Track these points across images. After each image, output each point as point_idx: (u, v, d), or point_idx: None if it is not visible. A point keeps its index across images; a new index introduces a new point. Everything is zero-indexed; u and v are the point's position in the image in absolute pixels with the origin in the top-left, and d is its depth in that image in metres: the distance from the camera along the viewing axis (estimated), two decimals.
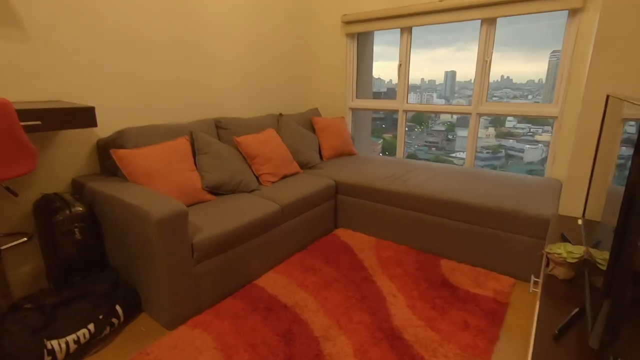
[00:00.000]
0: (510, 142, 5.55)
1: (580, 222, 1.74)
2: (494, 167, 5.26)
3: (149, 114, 2.33)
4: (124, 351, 1.53)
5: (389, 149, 4.76)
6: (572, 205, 1.84)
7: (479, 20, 2.77)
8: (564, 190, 1.86)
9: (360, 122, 4.04)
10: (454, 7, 2.75)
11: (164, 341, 1.55)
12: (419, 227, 2.36)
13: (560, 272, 1.30)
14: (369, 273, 2.10)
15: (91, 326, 1.51)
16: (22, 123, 1.41)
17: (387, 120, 5.09)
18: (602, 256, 1.14)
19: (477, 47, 2.85)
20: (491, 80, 2.88)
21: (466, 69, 3.03)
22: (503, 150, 5.58)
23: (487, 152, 5.58)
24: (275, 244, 2.16)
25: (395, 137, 3.55)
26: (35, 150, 1.45)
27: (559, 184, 2.42)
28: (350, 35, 3.52)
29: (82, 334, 1.48)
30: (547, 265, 1.34)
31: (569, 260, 1.25)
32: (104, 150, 2.02)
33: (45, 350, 1.37)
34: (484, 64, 2.84)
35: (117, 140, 1.96)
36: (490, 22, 2.74)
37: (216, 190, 2.19)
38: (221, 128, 2.55)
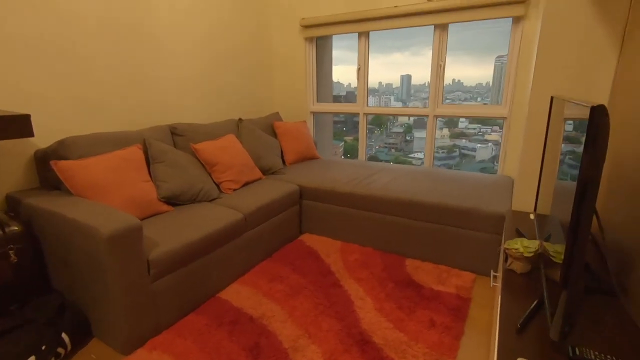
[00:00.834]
0: (463, 142, 5.86)
1: (532, 216, 1.84)
2: (450, 166, 5.52)
3: (94, 120, 2.14)
4: None
5: (351, 151, 4.82)
6: (524, 201, 1.95)
7: (432, 26, 2.88)
8: (516, 187, 1.97)
9: (321, 125, 4.04)
10: (409, 12, 2.84)
11: None
12: (383, 228, 2.39)
13: (518, 267, 1.35)
14: (336, 278, 2.08)
15: (32, 359, 1.35)
16: None
17: (348, 123, 5.16)
18: (554, 249, 1.20)
19: (430, 51, 2.96)
20: (444, 83, 3.00)
21: (421, 73, 3.15)
22: (457, 150, 5.87)
23: (442, 152, 5.83)
24: (239, 253, 2.08)
25: (356, 139, 3.58)
26: None
27: (510, 180, 2.56)
28: (309, 39, 3.51)
29: None
30: (506, 260, 1.40)
31: (526, 254, 1.31)
32: (43, 161, 1.84)
33: None
34: (438, 68, 2.95)
35: (59, 151, 1.78)
36: (442, 27, 2.85)
37: (174, 201, 2.07)
38: (177, 135, 2.42)
